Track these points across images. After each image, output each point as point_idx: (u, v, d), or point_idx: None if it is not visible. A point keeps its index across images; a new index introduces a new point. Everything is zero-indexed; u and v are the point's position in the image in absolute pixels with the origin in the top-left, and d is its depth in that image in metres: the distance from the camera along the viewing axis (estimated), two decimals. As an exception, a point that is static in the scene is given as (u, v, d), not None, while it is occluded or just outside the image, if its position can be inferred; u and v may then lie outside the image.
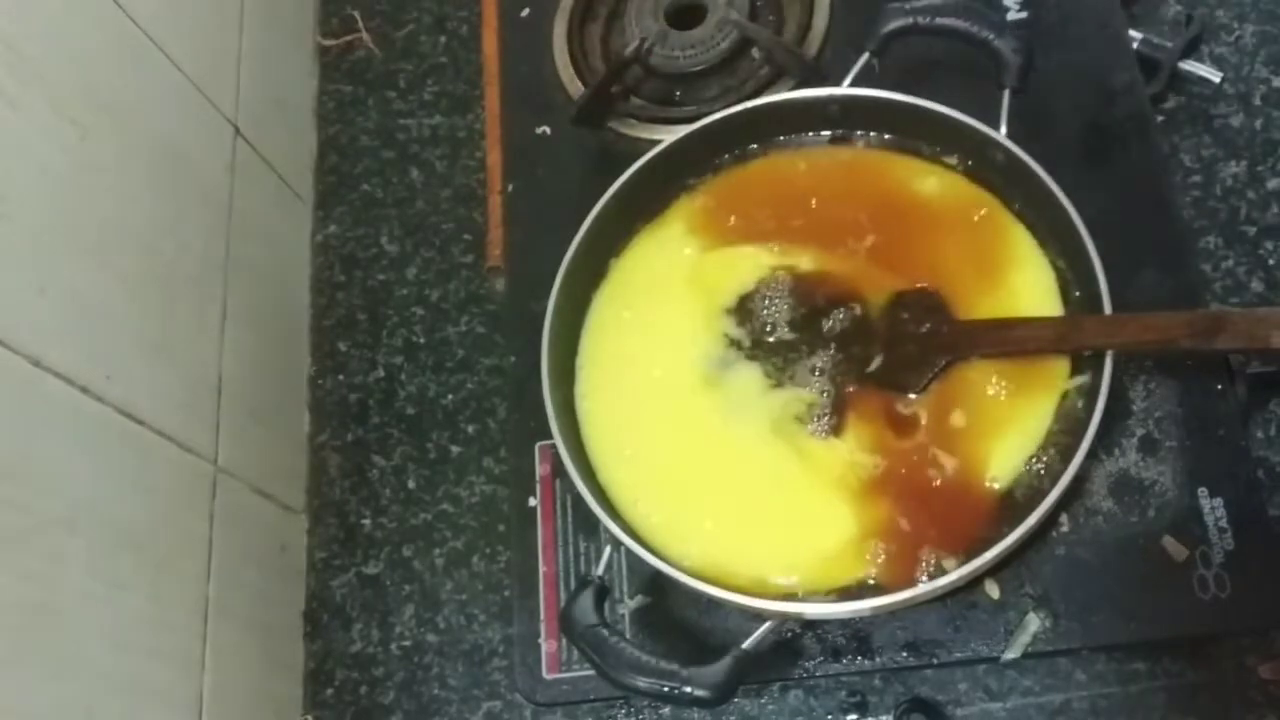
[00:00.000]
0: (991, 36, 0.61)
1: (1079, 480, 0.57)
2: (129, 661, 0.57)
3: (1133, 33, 0.69)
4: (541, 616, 0.62)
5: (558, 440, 0.58)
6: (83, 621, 0.54)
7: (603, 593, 0.55)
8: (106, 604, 0.56)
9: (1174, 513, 0.57)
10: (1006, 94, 0.61)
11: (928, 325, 0.58)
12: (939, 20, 0.62)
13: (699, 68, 0.73)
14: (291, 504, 0.78)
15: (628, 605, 0.61)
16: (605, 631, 0.52)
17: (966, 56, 0.62)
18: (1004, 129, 0.60)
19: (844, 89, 0.63)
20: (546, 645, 0.62)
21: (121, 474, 0.59)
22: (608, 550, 0.59)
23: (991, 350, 0.57)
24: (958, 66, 0.63)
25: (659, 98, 0.74)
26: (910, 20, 0.63)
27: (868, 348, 0.60)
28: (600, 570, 0.58)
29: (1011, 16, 0.68)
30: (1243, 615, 0.55)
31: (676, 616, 0.60)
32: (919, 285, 0.59)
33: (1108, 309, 0.55)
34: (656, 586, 0.61)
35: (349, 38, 0.92)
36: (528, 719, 0.71)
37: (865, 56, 0.64)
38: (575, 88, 0.75)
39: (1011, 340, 0.56)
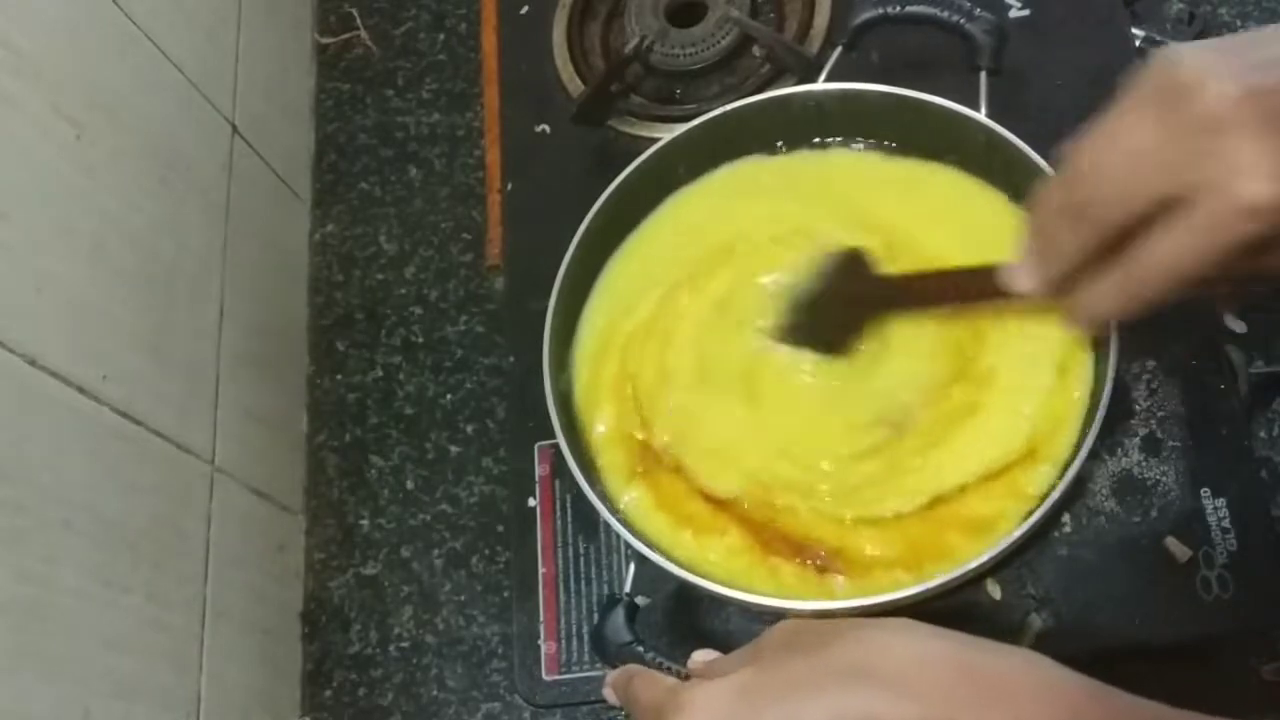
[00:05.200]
0: (961, 20, 0.61)
1: (1081, 480, 0.57)
2: (126, 662, 0.57)
3: (1135, 30, 0.69)
4: (541, 617, 0.62)
5: (561, 440, 0.58)
6: (80, 622, 0.54)
7: (634, 610, 0.54)
8: (103, 604, 0.56)
9: (1177, 513, 0.57)
10: (983, 75, 0.61)
11: (853, 285, 0.56)
12: (908, 9, 0.62)
13: (699, 65, 0.73)
14: (289, 504, 0.77)
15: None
16: (641, 649, 0.51)
17: (949, 48, 0.62)
18: (984, 109, 0.60)
19: (819, 85, 0.63)
20: (546, 646, 0.62)
21: (118, 474, 0.59)
22: (633, 566, 0.58)
23: (915, 304, 0.55)
24: (941, 60, 0.63)
25: (659, 96, 0.74)
26: (880, 11, 0.63)
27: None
28: (628, 587, 0.57)
29: (1014, 15, 0.68)
30: (1246, 616, 0.55)
31: (681, 618, 0.60)
32: (850, 246, 0.57)
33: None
34: (658, 586, 0.60)
35: (347, 35, 0.92)
36: (526, 720, 0.70)
37: (838, 51, 0.64)
38: (575, 86, 0.74)
39: (932, 292, 0.54)
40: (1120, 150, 0.39)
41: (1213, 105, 0.36)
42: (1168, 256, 0.38)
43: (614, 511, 0.57)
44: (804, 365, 0.58)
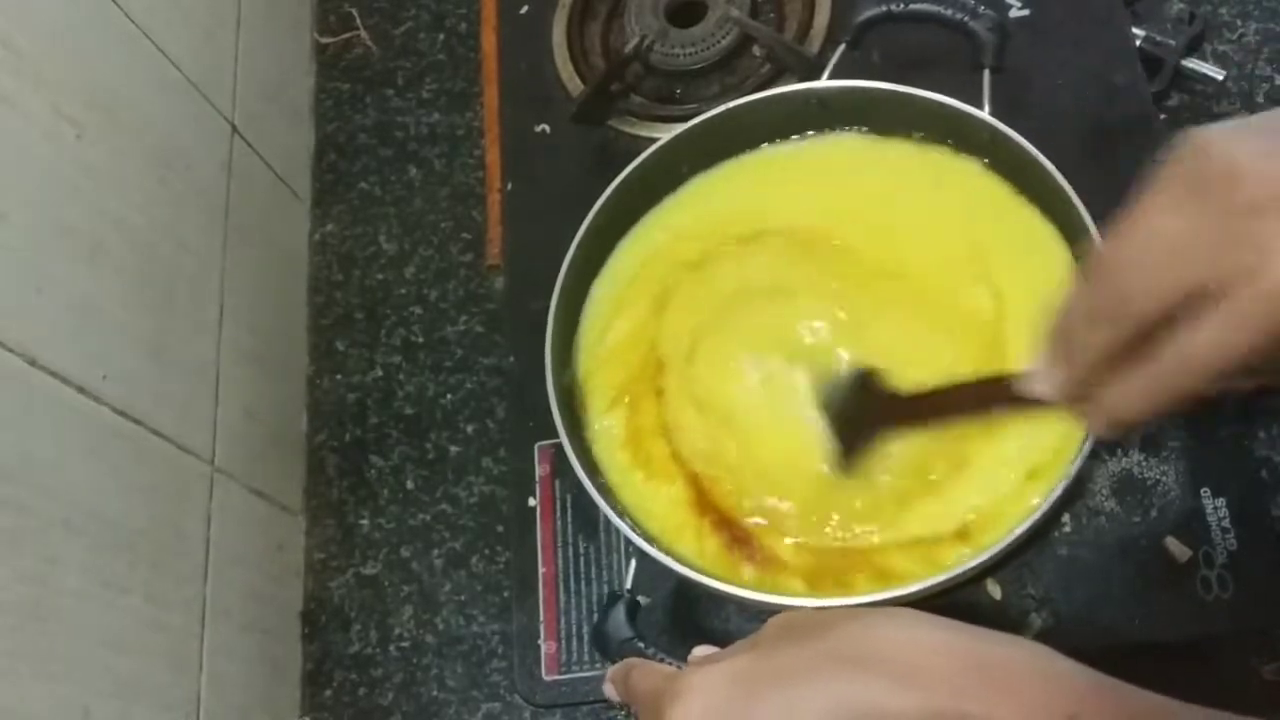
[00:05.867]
0: (965, 18, 0.61)
1: (1081, 480, 0.56)
2: (126, 662, 0.57)
3: (1135, 30, 0.69)
4: (541, 617, 0.62)
5: (563, 439, 0.58)
6: (79, 622, 0.54)
7: (635, 607, 0.55)
8: (103, 604, 0.56)
9: (1177, 513, 0.57)
10: (986, 73, 0.61)
11: (866, 404, 0.56)
12: (912, 6, 0.62)
13: (699, 65, 0.73)
14: (289, 504, 0.77)
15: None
16: (642, 645, 0.52)
17: (952, 46, 0.62)
18: (987, 108, 0.60)
19: (823, 82, 0.63)
20: (546, 646, 0.62)
21: (118, 474, 0.59)
22: (633, 564, 0.58)
23: (919, 421, 0.55)
24: (943, 58, 0.63)
25: (659, 95, 0.74)
26: (883, 9, 0.63)
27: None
28: (629, 585, 0.57)
29: (1014, 14, 0.68)
30: (1246, 616, 0.55)
31: (681, 616, 0.60)
32: (866, 367, 0.57)
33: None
34: (657, 585, 0.60)
35: (347, 35, 0.92)
36: (527, 720, 0.70)
37: (841, 48, 0.64)
38: (575, 85, 0.74)
39: (947, 405, 0.53)
40: (1149, 241, 0.37)
41: (1255, 190, 0.34)
42: (1201, 349, 0.37)
43: (614, 508, 0.57)
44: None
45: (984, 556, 0.51)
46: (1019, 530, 0.51)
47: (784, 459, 0.58)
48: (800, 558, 0.56)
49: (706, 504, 0.58)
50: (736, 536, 0.57)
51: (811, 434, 0.57)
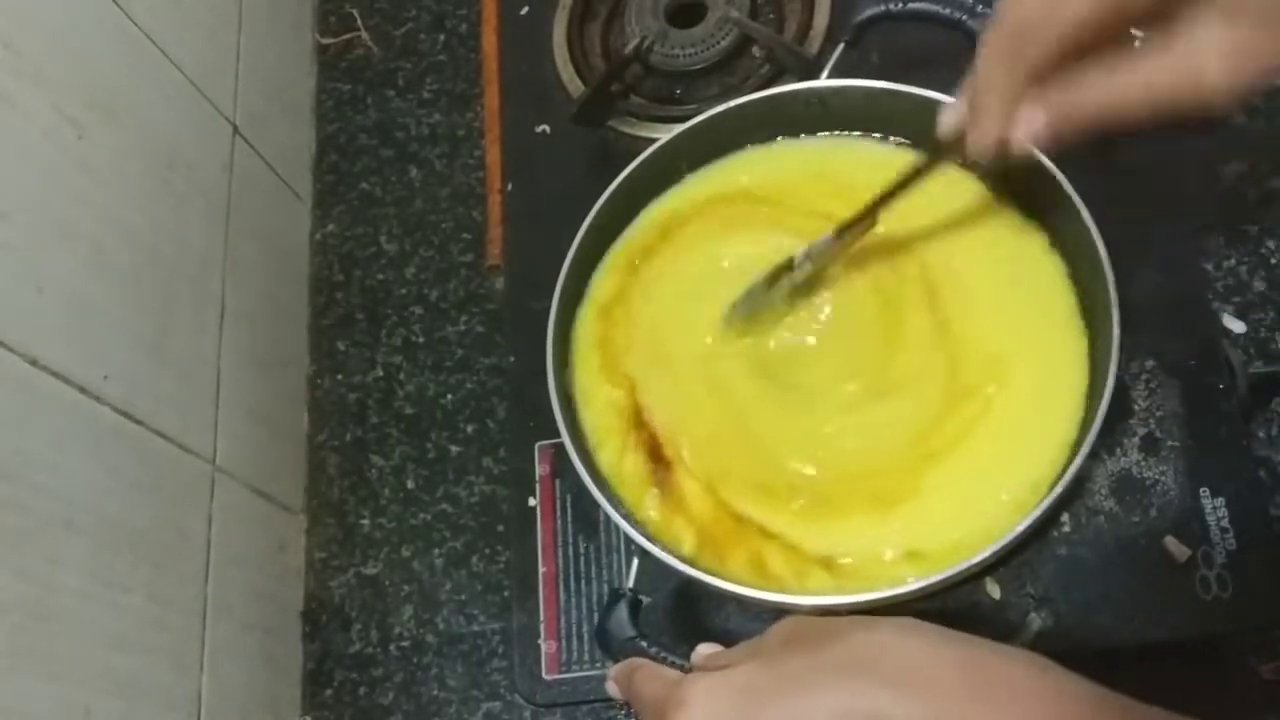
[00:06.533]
0: (963, 17, 0.61)
1: (1080, 480, 0.57)
2: (127, 661, 0.57)
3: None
4: (541, 617, 0.62)
5: (565, 439, 0.58)
6: (80, 621, 0.54)
7: (637, 605, 0.55)
8: (104, 604, 0.56)
9: (1176, 513, 0.57)
10: None
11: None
12: (910, 5, 0.62)
13: (699, 66, 0.73)
14: (290, 504, 0.78)
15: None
16: (644, 643, 0.52)
17: (951, 45, 0.62)
18: None
19: (821, 82, 0.63)
20: (546, 646, 0.62)
21: (119, 474, 0.59)
22: (635, 562, 0.59)
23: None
24: (941, 57, 0.63)
25: (659, 96, 0.74)
26: (882, 8, 0.63)
27: None
28: (632, 582, 0.58)
29: (1013, 16, 0.68)
30: (1245, 615, 0.55)
31: (682, 615, 0.60)
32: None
33: (1111, 288, 0.54)
34: (658, 584, 0.61)
35: (348, 36, 0.92)
36: None
37: (840, 48, 0.64)
38: (575, 86, 0.74)
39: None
40: None
41: None
42: (1112, 92, 0.41)
43: (616, 508, 0.57)
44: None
45: (984, 554, 0.51)
46: (1019, 529, 0.51)
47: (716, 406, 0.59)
48: (701, 506, 0.57)
49: (641, 421, 0.59)
50: (658, 459, 0.58)
51: (756, 397, 0.59)
